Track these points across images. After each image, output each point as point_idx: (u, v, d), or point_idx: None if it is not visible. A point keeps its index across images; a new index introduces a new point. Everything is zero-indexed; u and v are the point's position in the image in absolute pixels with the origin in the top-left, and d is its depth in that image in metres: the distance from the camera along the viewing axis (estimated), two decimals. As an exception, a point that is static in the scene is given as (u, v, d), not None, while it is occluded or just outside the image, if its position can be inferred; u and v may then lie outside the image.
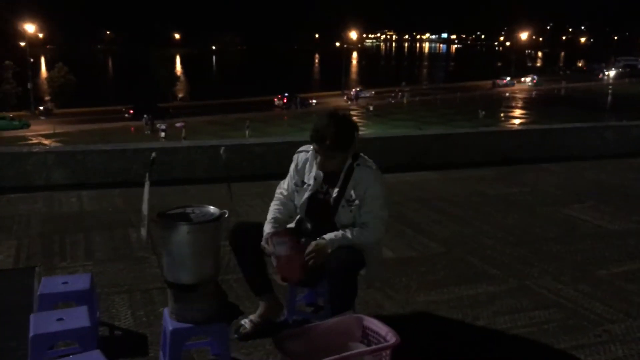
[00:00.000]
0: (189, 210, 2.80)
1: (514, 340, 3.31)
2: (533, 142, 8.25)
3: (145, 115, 43.72)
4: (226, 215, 2.85)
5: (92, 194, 5.91)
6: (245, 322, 3.29)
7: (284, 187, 3.24)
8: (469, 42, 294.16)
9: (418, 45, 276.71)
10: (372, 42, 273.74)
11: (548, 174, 7.44)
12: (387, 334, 2.69)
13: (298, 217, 3.23)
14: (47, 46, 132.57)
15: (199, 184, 6.18)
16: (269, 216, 3.15)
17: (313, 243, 2.96)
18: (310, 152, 3.11)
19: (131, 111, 47.25)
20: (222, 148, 3.10)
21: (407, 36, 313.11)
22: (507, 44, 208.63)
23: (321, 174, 3.04)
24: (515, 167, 7.68)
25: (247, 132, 37.52)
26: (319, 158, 2.98)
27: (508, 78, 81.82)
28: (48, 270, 4.04)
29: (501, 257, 4.52)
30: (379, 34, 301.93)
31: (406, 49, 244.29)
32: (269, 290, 3.32)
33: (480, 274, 4.20)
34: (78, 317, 2.78)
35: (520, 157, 7.98)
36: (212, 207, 2.82)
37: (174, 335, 2.74)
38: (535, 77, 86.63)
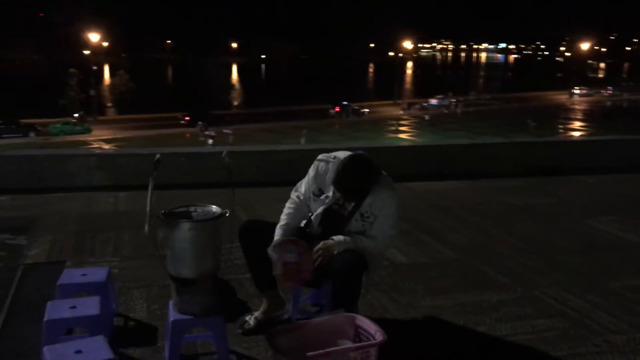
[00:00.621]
0: (192, 209, 3.00)
1: (512, 346, 3.35)
2: (567, 153, 8.14)
3: (199, 122, 44.77)
4: (227, 215, 3.04)
5: (128, 195, 6.22)
6: (250, 319, 3.45)
7: (301, 190, 3.32)
8: (528, 52, 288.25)
9: (475, 55, 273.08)
10: (427, 52, 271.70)
11: (580, 186, 7.34)
12: (376, 333, 2.80)
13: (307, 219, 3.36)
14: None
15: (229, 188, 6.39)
16: (282, 221, 3.26)
17: (321, 242, 3.10)
18: (330, 163, 3.17)
19: (187, 118, 48.43)
20: (224, 151, 3.29)
21: (464, 46, 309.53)
22: (568, 54, 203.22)
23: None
24: (547, 178, 7.59)
25: (302, 140, 37.75)
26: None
27: (587, 89, 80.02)
28: (77, 265, 4.31)
29: (514, 266, 4.54)
30: (434, 44, 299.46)
31: (463, 59, 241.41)
32: (273, 288, 3.47)
33: (489, 281, 4.24)
34: (89, 306, 3.01)
35: (553, 168, 7.87)
36: (214, 206, 3.01)
37: (174, 326, 2.94)
38: (610, 87, 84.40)
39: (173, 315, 2.96)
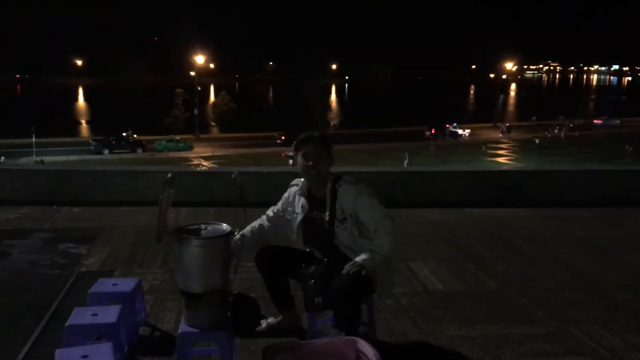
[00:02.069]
0: (203, 226, 3.14)
1: (528, 383, 3.22)
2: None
3: (295, 142, 45.65)
4: (235, 234, 3.17)
5: (189, 211, 6.51)
6: (263, 323, 3.62)
7: (274, 209, 3.55)
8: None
9: (585, 77, 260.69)
10: (533, 73, 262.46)
11: (657, 219, 6.86)
12: (373, 358, 2.81)
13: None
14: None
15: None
16: (244, 230, 3.48)
17: (351, 263, 3.11)
18: (299, 185, 3.39)
19: (282, 137, 49.63)
20: (235, 172, 3.42)
21: (572, 67, 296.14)
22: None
23: (307, 202, 3.31)
24: (620, 208, 7.15)
25: (405, 163, 37.47)
26: (306, 185, 3.33)
27: None
28: (124, 274, 4.60)
29: (556, 300, 4.33)
30: (541, 65, 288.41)
31: (571, 81, 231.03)
32: (291, 309, 3.61)
33: (524, 314, 4.07)
34: (109, 314, 3.21)
35: (632, 200, 7.40)
36: (225, 225, 3.14)
37: (181, 338, 3.08)
38: None
39: (182, 327, 3.10)
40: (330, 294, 3.06)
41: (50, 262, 4.94)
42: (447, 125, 58.27)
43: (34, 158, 36.95)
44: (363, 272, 3.10)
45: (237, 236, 3.36)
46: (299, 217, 3.34)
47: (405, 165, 34.45)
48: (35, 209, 6.56)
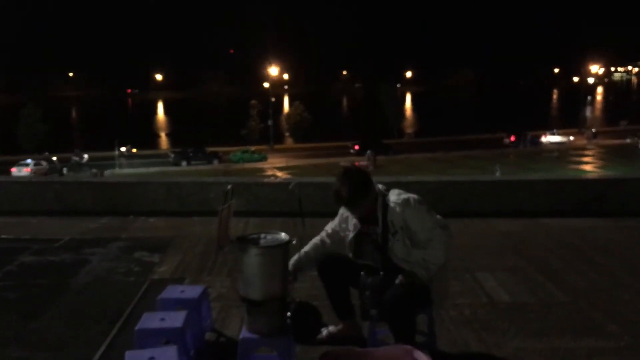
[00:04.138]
0: (262, 235, 3.24)
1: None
2: None
3: (368, 151, 45.56)
4: (294, 243, 3.25)
5: (257, 221, 6.66)
6: (323, 331, 3.69)
7: (331, 225, 3.64)
8: None
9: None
10: (621, 76, 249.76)
11: None
12: (429, 369, 2.80)
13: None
14: (285, 88, 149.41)
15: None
16: (304, 248, 3.57)
17: (404, 274, 3.20)
18: None
19: (356, 147, 49.60)
20: (292, 183, 3.50)
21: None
22: None
23: (358, 221, 3.39)
24: None
25: (497, 173, 36.59)
26: None
27: None
28: (194, 282, 4.77)
29: (630, 313, 4.15)
30: (630, 67, 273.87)
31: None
32: (351, 317, 3.66)
33: (595, 327, 3.93)
34: (176, 319, 3.36)
35: None
36: (283, 234, 3.22)
37: (242, 343, 3.19)
38: None
39: (243, 333, 3.21)
40: (383, 306, 3.10)
41: (126, 269, 5.19)
42: (530, 133, 56.15)
43: (92, 170, 38.27)
44: (416, 283, 3.14)
45: (296, 257, 3.48)
46: (351, 234, 3.44)
47: (497, 175, 33.47)
48: (114, 219, 6.91)
